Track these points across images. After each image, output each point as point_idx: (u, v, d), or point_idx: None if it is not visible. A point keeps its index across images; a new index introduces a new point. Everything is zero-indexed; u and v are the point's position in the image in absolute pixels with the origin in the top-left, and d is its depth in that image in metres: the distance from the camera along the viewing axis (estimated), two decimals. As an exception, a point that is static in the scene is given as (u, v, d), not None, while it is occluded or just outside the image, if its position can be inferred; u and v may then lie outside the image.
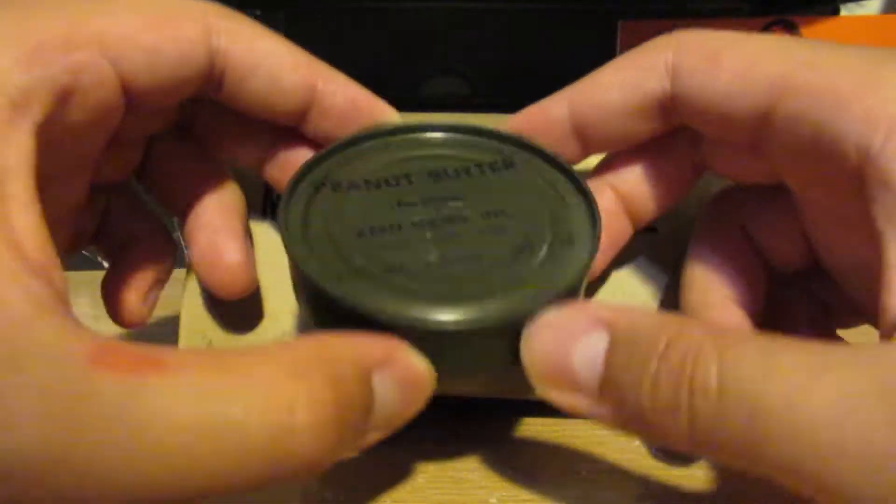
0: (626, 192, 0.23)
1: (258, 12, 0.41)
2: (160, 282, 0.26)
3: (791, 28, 0.55)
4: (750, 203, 0.23)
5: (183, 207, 0.25)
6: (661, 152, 0.23)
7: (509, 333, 0.18)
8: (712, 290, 0.23)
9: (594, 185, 0.23)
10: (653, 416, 0.16)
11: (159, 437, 0.13)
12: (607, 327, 0.17)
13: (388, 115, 0.23)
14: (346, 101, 0.22)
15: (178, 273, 0.26)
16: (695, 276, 0.23)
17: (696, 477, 0.24)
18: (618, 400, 0.16)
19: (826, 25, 0.57)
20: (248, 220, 0.26)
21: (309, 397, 0.15)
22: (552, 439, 0.25)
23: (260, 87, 0.22)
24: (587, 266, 0.20)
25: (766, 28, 0.51)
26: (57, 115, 0.18)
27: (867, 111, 0.17)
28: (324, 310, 0.20)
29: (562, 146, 0.23)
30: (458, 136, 0.24)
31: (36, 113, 0.17)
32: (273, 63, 0.21)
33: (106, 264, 0.26)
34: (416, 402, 0.18)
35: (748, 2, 0.47)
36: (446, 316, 0.18)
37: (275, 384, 0.14)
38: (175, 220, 0.26)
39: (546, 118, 0.22)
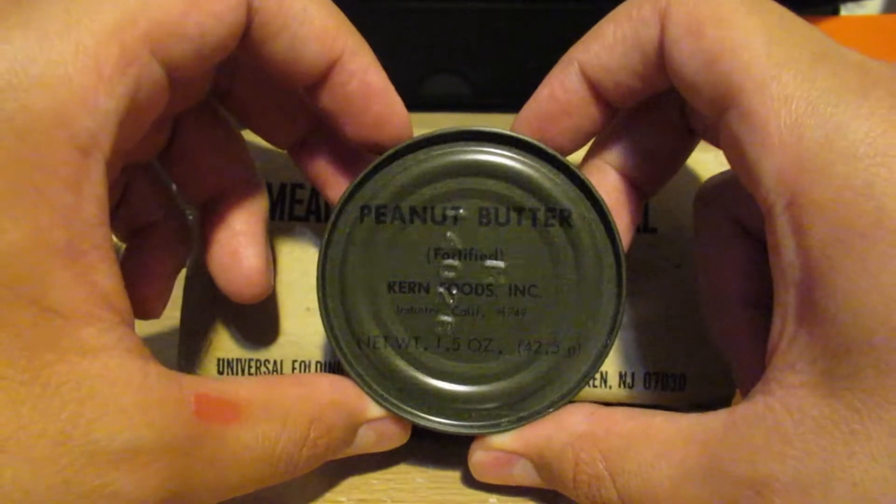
0: (626, 169, 0.23)
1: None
2: (175, 272, 0.25)
3: (791, 28, 0.54)
4: (730, 190, 0.23)
5: (205, 200, 0.24)
6: (652, 121, 0.23)
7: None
8: (722, 291, 0.24)
9: (593, 168, 0.23)
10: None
11: (237, 473, 0.19)
12: (526, 457, 0.22)
13: (398, 113, 0.22)
14: (360, 87, 0.21)
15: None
16: (705, 279, 0.25)
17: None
18: (550, 484, 0.22)
19: (826, 25, 0.56)
20: (268, 222, 0.25)
21: (314, 441, 0.21)
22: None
23: (280, 50, 0.20)
24: (571, 394, 0.22)
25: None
26: (119, 138, 0.18)
27: (780, 170, 0.17)
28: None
29: (587, 114, 0.22)
30: (525, 163, 0.22)
31: (105, 149, 0.17)
32: (298, 28, 0.20)
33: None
34: (388, 447, 0.23)
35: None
36: (421, 414, 0.23)
37: (299, 428, 0.21)
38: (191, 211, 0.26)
39: (565, 94, 0.22)
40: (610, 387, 0.26)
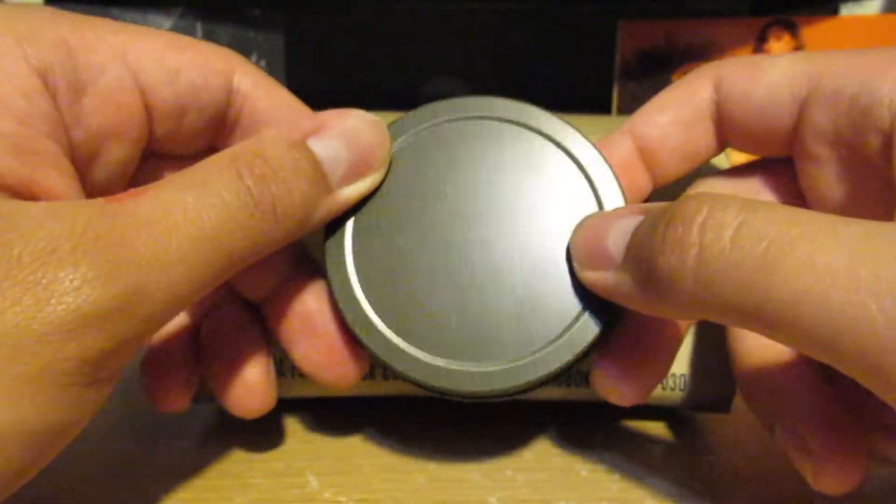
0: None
1: (258, 11, 0.41)
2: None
3: (791, 28, 0.55)
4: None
5: (202, 304, 0.24)
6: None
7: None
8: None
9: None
10: (663, 263, 0.16)
11: (174, 237, 0.16)
12: (643, 212, 0.18)
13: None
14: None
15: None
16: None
17: (697, 480, 0.24)
18: (634, 260, 0.18)
19: (826, 25, 0.57)
20: (269, 333, 0.23)
21: (232, 175, 0.17)
22: (552, 440, 0.26)
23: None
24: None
25: (765, 28, 0.51)
26: (71, 103, 0.19)
27: None
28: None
29: (633, 179, 0.23)
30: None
31: (35, 57, 0.18)
32: (287, 117, 0.22)
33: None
34: (372, 152, 0.20)
35: (748, 2, 0.47)
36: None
37: (221, 162, 0.18)
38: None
39: (611, 154, 0.22)
40: (610, 387, 0.26)
